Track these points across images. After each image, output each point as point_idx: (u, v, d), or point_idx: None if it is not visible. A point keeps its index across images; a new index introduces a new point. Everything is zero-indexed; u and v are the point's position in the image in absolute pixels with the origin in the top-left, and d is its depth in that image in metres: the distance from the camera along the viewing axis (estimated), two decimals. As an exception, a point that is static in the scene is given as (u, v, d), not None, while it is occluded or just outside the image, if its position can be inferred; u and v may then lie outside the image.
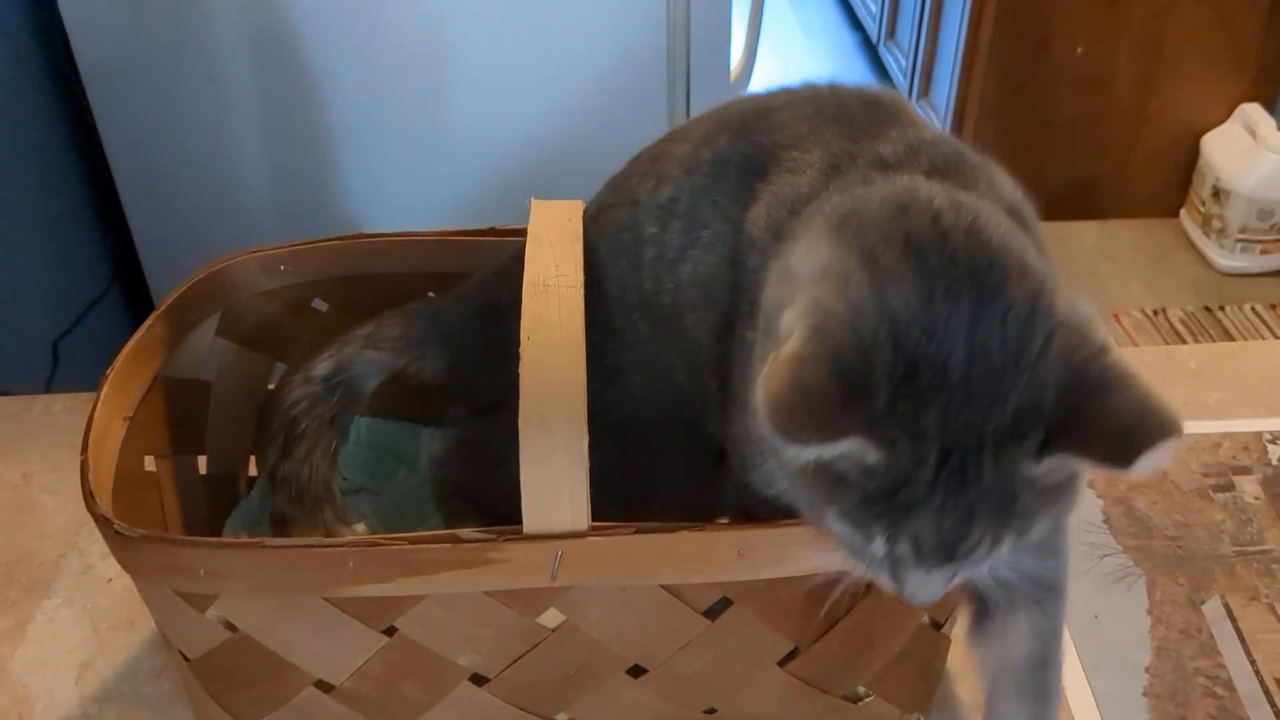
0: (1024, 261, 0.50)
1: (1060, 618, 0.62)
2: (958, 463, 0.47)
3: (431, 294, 0.80)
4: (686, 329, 0.65)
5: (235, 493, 0.84)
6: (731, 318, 0.62)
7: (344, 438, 0.75)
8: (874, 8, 3.26)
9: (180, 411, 0.76)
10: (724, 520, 0.67)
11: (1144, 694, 0.75)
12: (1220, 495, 0.90)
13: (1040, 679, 0.63)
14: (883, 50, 3.21)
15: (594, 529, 0.58)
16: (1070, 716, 0.74)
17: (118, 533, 0.59)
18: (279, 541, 0.61)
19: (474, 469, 0.74)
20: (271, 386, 0.83)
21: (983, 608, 0.62)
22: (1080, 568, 0.84)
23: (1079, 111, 2.60)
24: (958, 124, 2.63)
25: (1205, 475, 0.91)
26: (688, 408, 0.67)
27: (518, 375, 0.56)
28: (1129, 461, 0.46)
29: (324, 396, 0.74)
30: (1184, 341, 2.41)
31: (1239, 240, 2.56)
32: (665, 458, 0.70)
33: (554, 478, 0.56)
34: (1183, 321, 2.47)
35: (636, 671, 0.66)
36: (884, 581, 0.53)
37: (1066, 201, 2.68)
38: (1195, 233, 2.66)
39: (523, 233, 0.65)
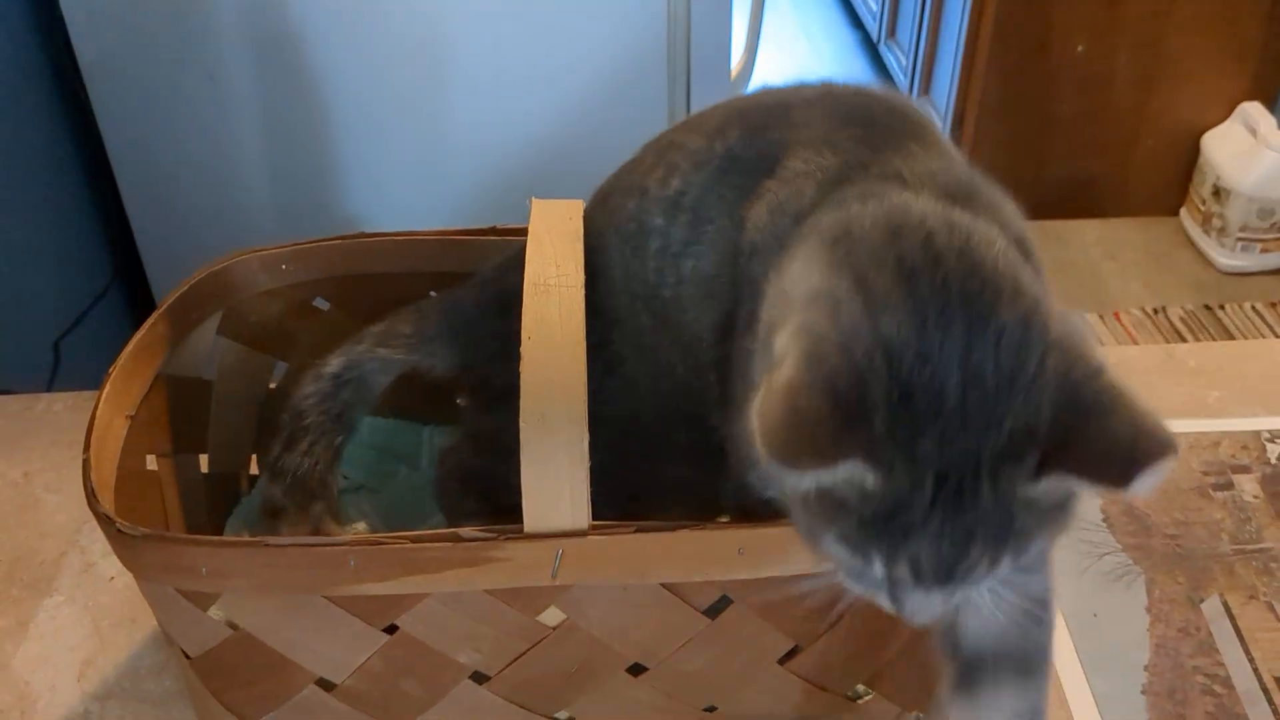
0: (1017, 282, 0.49)
1: (1044, 693, 0.61)
2: (955, 486, 0.47)
3: (433, 293, 0.80)
4: (687, 323, 0.65)
5: (237, 491, 0.84)
6: (732, 317, 0.61)
7: (351, 436, 0.75)
8: (874, 6, 3.26)
9: (182, 410, 0.77)
10: (724, 519, 0.67)
11: (1143, 692, 0.76)
12: (1219, 494, 0.90)
13: None
14: (883, 49, 3.21)
15: (595, 528, 0.58)
16: (1069, 715, 0.74)
17: (120, 531, 0.59)
18: (281, 540, 0.61)
19: (480, 458, 0.74)
20: (273, 385, 0.84)
21: (967, 672, 0.61)
22: (1079, 566, 0.84)
23: (1079, 110, 2.60)
24: (958, 122, 2.63)
25: (1204, 474, 0.91)
26: (689, 401, 0.67)
27: None
28: (1126, 482, 0.46)
29: (333, 393, 0.74)
30: (1184, 340, 2.41)
31: (1239, 239, 2.56)
32: (666, 451, 0.70)
33: (555, 477, 0.56)
34: (1183, 320, 2.47)
35: (637, 670, 0.66)
36: (883, 602, 0.52)
37: (1067, 200, 2.68)
38: (1195, 231, 2.66)
39: (524, 232, 0.65)
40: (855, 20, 3.55)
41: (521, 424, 0.55)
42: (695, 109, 1.47)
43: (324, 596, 0.61)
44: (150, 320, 0.73)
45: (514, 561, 0.59)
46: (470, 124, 1.57)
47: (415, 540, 0.58)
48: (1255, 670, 0.77)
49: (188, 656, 0.66)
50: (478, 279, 0.77)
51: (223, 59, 1.49)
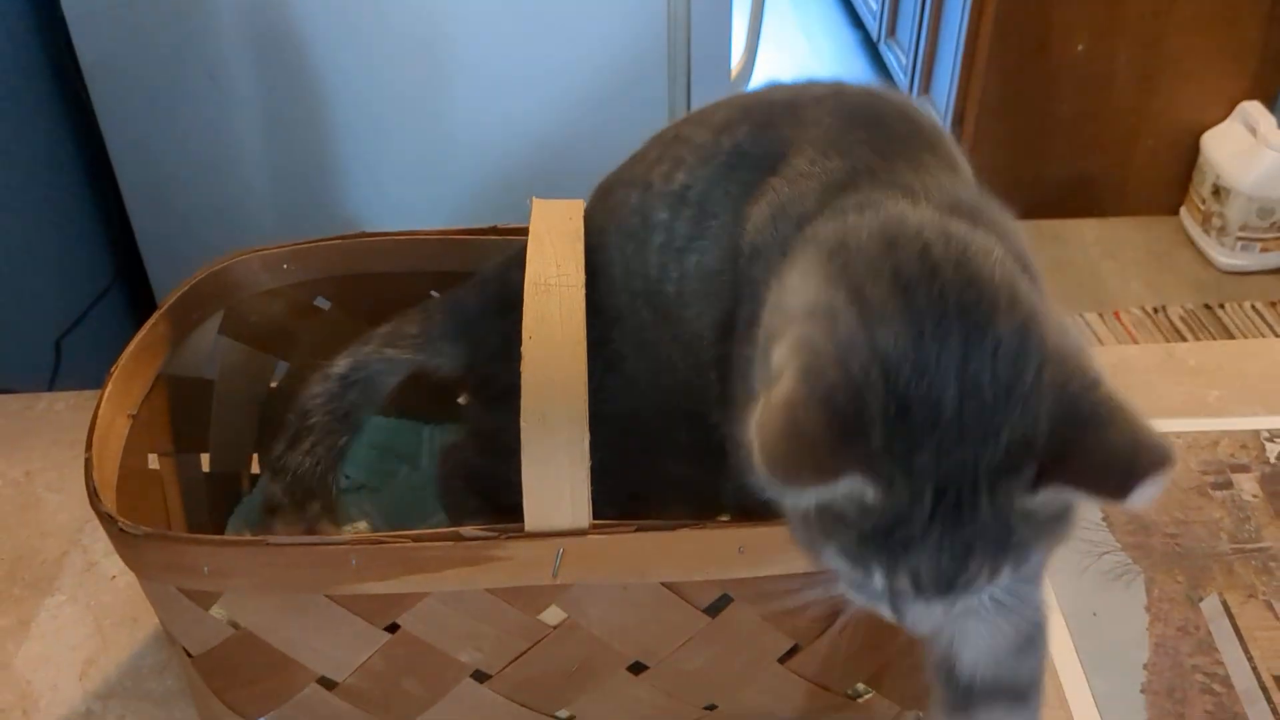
0: (1014, 292, 0.49)
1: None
2: (953, 499, 0.47)
3: (434, 293, 0.80)
4: (689, 319, 0.65)
5: (238, 490, 0.84)
6: (733, 316, 0.61)
7: (356, 436, 0.75)
8: (874, 5, 3.26)
9: (183, 409, 0.77)
10: (725, 517, 0.68)
11: (1142, 691, 0.76)
12: (1219, 493, 0.90)
13: None
14: (883, 48, 3.22)
15: (595, 527, 0.58)
16: (1069, 714, 0.74)
17: (122, 530, 0.59)
18: (282, 540, 0.61)
19: (482, 456, 0.75)
20: (274, 385, 0.84)
21: (960, 701, 0.61)
22: (1079, 565, 0.84)
23: (1079, 109, 2.60)
24: (958, 121, 2.63)
25: (1204, 473, 0.91)
26: (689, 399, 0.67)
27: None
28: (1124, 494, 0.46)
29: (340, 394, 0.74)
30: (1184, 339, 2.41)
31: (1239, 238, 2.56)
32: (667, 449, 0.70)
33: (555, 476, 0.56)
34: (1183, 319, 2.47)
35: (637, 668, 0.66)
36: (884, 613, 0.52)
37: (1067, 199, 2.68)
38: (1195, 230, 2.66)
39: (524, 232, 0.65)
40: (855, 19, 3.55)
41: (522, 423, 0.55)
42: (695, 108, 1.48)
43: (325, 595, 0.61)
44: (152, 320, 0.73)
45: (515, 560, 0.59)
46: (471, 123, 1.58)
47: (416, 539, 0.58)
48: (1254, 669, 0.77)
49: (189, 655, 0.66)
50: (479, 278, 0.77)
51: (223, 59, 1.49)
